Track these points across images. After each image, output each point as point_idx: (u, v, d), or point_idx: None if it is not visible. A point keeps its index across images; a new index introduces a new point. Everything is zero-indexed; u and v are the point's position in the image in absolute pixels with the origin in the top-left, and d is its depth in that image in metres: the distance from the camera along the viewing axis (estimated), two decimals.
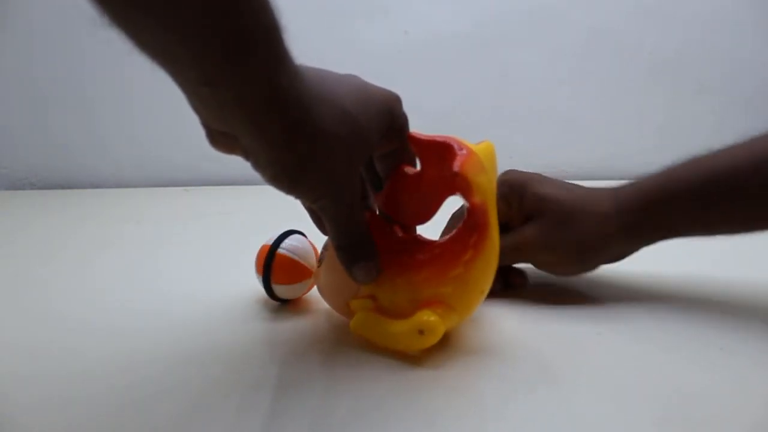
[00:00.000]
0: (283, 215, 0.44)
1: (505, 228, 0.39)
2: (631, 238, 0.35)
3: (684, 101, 1.10)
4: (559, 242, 0.35)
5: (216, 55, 0.20)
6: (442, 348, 0.30)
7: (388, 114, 0.28)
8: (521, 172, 0.38)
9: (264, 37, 0.21)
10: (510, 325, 0.34)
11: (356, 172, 0.28)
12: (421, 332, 0.27)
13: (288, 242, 0.36)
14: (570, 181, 0.38)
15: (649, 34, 1.08)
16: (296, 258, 0.36)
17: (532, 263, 0.38)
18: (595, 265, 0.36)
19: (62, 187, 1.11)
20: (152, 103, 1.09)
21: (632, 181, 0.36)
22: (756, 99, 1.09)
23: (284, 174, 0.25)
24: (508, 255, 0.37)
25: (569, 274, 0.38)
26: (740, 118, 1.09)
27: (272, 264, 0.35)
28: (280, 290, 0.36)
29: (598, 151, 1.11)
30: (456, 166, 0.27)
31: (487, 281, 0.29)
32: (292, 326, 0.34)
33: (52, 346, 0.32)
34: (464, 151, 0.28)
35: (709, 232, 0.34)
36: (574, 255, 0.36)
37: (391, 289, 0.30)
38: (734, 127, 1.13)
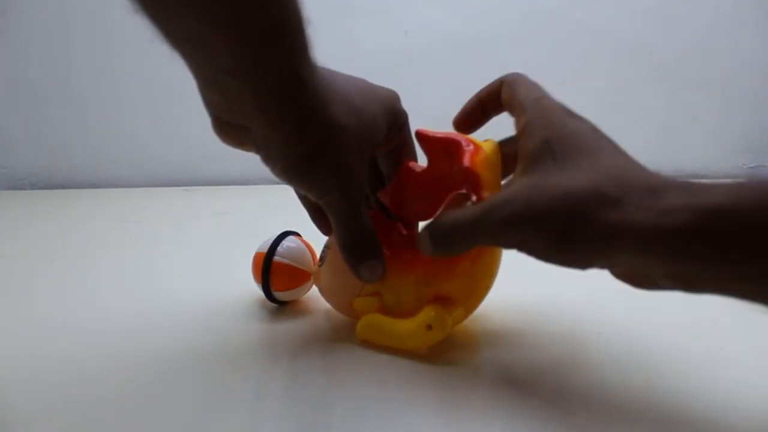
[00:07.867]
0: (282, 215, 0.44)
1: None
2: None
3: (684, 101, 1.10)
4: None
5: (241, 44, 0.20)
6: (443, 346, 0.30)
7: (392, 109, 0.29)
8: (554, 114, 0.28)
9: (288, 29, 0.21)
10: (511, 324, 0.34)
11: (364, 165, 0.28)
12: (429, 327, 0.28)
13: (283, 248, 0.35)
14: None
15: (650, 34, 1.08)
16: (294, 264, 0.35)
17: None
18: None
19: (62, 187, 1.11)
20: (152, 103, 1.08)
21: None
22: (756, 99, 1.08)
23: (295, 166, 0.25)
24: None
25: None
26: (741, 117, 1.09)
27: (270, 273, 0.35)
28: (280, 296, 0.36)
29: None
30: (466, 160, 0.28)
31: (493, 277, 0.29)
32: (292, 326, 0.34)
33: (52, 345, 0.32)
34: (472, 147, 0.29)
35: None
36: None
37: (397, 287, 0.30)
38: (734, 127, 1.12)
